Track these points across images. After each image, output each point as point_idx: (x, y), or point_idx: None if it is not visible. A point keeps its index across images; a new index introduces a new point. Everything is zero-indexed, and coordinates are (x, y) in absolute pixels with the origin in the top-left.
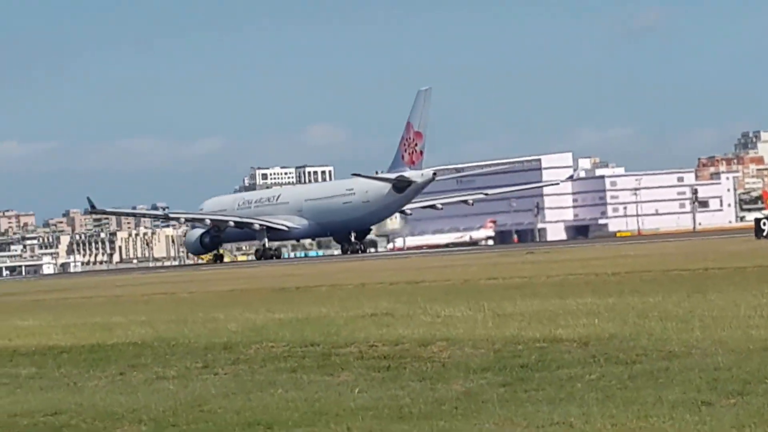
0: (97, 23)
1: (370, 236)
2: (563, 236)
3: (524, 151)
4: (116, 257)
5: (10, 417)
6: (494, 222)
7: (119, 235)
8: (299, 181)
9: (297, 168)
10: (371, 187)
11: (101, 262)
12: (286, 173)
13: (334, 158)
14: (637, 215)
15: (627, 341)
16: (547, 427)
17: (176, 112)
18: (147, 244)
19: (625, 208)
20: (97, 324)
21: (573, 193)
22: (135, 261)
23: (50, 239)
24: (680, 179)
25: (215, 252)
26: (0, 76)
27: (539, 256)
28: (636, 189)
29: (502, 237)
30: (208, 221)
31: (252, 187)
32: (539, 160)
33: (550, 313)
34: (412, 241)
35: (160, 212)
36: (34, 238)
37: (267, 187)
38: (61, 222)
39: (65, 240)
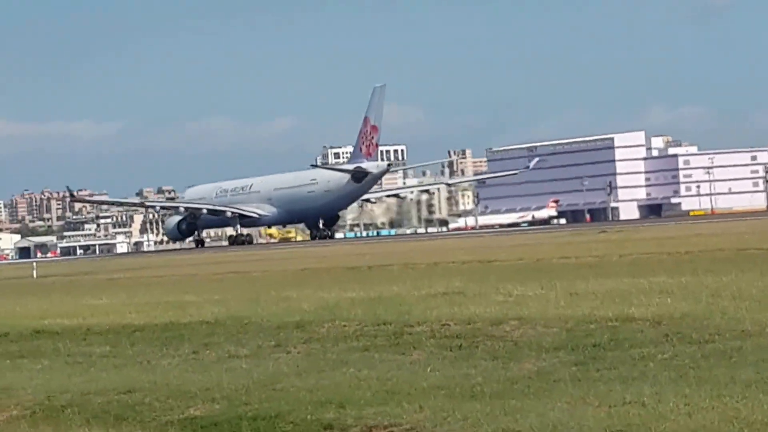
0: (171, 5)
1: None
2: (636, 215)
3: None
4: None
5: (83, 395)
6: (557, 202)
7: None
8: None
9: None
10: (332, 177)
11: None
12: None
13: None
14: (710, 194)
15: (700, 320)
16: (620, 406)
17: (249, 91)
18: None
19: (698, 186)
20: (171, 303)
21: (646, 172)
22: (208, 240)
23: (124, 218)
24: (754, 158)
25: (197, 237)
26: (75, 56)
27: (612, 235)
28: (709, 168)
29: (574, 216)
30: (182, 209)
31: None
32: (612, 138)
33: (622, 292)
34: (470, 221)
35: (137, 200)
36: (107, 217)
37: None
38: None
39: (138, 219)
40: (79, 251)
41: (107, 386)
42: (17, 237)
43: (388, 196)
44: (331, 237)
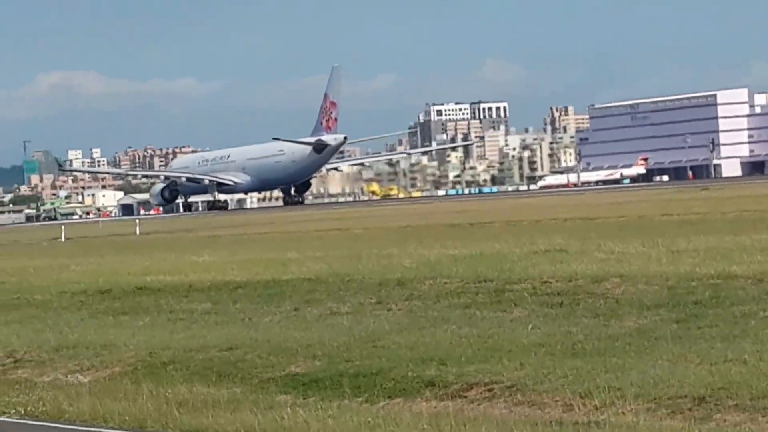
0: None
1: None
2: (739, 172)
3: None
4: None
5: (186, 352)
6: (645, 159)
7: None
8: (474, 118)
9: (471, 104)
10: (297, 149)
11: (276, 198)
12: (460, 109)
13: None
14: None
15: None
16: (721, 364)
17: (353, 49)
18: (322, 180)
19: None
20: (272, 260)
21: (749, 129)
22: (310, 197)
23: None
24: None
25: (184, 203)
26: (179, 13)
27: (714, 193)
28: None
29: (677, 173)
30: (162, 177)
31: (427, 124)
32: (714, 96)
33: (724, 250)
34: (554, 180)
35: (122, 171)
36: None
37: (442, 125)
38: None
39: None
40: (181, 208)
41: (209, 343)
42: (120, 194)
43: (352, 164)
44: (302, 203)
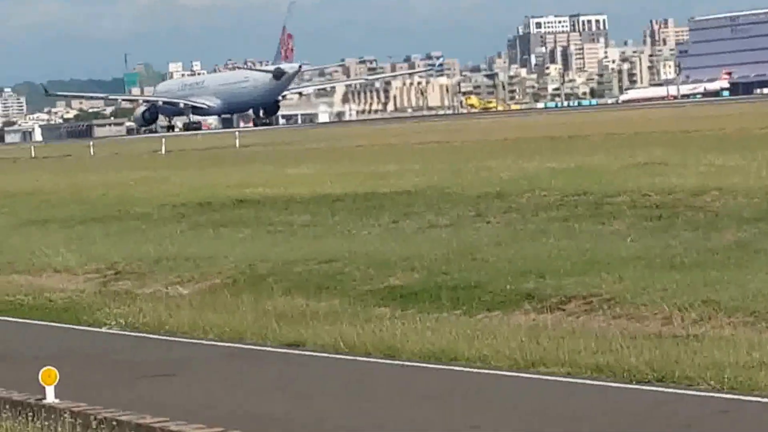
0: None
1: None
2: None
3: None
4: (390, 106)
5: (285, 264)
6: (729, 74)
7: (394, 84)
8: (573, 30)
9: (571, 16)
10: (259, 76)
11: (376, 111)
12: (559, 22)
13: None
14: None
15: None
16: None
17: None
18: (421, 93)
19: None
20: (371, 172)
21: None
22: (409, 110)
23: (325, 88)
24: None
25: (168, 124)
26: None
27: None
28: None
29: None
30: (141, 101)
31: (526, 37)
32: None
33: None
34: (636, 93)
35: (102, 95)
36: (309, 86)
37: (541, 37)
38: (337, 71)
39: (341, 89)
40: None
41: (308, 255)
42: None
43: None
44: (270, 124)
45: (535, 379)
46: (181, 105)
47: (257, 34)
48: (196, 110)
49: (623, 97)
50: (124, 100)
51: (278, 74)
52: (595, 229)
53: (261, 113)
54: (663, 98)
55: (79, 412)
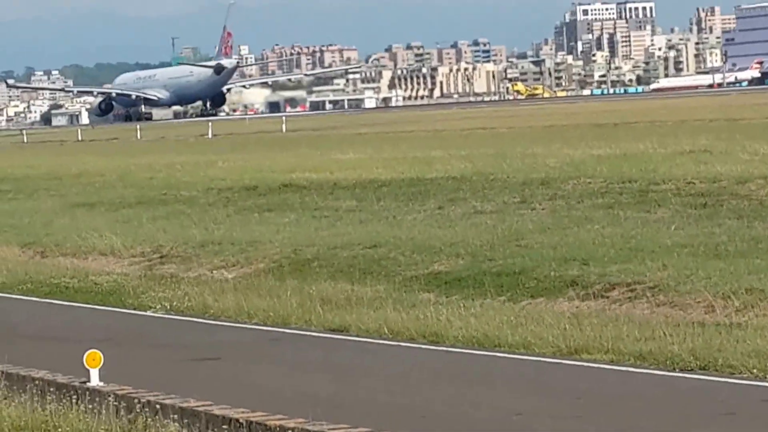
0: None
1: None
2: None
3: None
4: (437, 92)
5: (330, 249)
6: (761, 63)
7: (440, 70)
8: (620, 18)
9: (618, 4)
10: (202, 71)
11: (422, 97)
12: (606, 9)
13: None
14: None
15: None
16: None
17: None
18: (468, 80)
19: None
20: (417, 158)
21: None
22: (455, 96)
23: (372, 74)
24: None
25: (125, 113)
26: None
27: None
28: None
29: None
30: (96, 93)
31: (572, 24)
32: None
33: None
34: (667, 82)
35: (57, 87)
36: (356, 72)
37: (587, 25)
38: (383, 57)
39: (387, 75)
40: (328, 106)
41: (353, 240)
42: (267, 92)
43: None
44: (215, 115)
45: (579, 366)
46: (134, 97)
47: (305, 19)
48: (148, 101)
49: (653, 86)
50: (80, 91)
51: (218, 69)
52: (640, 217)
53: (208, 105)
54: (695, 87)
55: (124, 395)
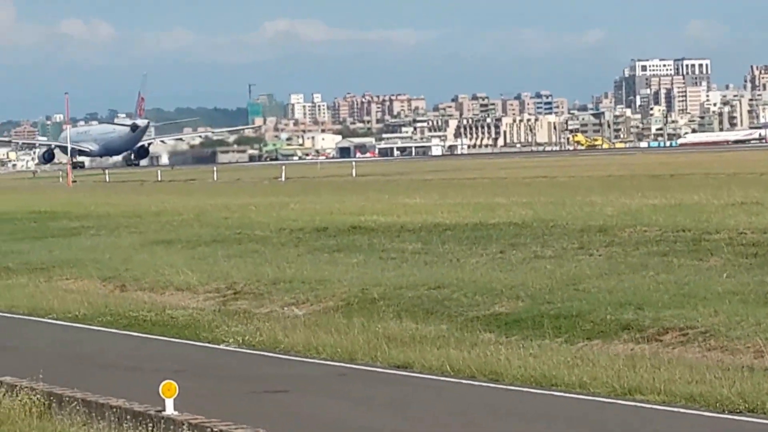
0: None
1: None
2: None
3: None
4: (500, 141)
5: (396, 289)
6: None
7: (504, 120)
8: (677, 74)
9: (675, 60)
10: (121, 129)
11: (486, 146)
12: (664, 65)
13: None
14: None
15: None
16: None
17: (561, 3)
18: (530, 130)
19: None
20: (480, 204)
21: None
22: (518, 145)
23: (439, 122)
24: None
25: (75, 162)
26: None
27: None
28: None
29: None
30: (37, 145)
31: (631, 79)
32: None
33: None
34: (695, 138)
35: (7, 139)
36: (423, 121)
37: (646, 80)
38: (450, 106)
39: (453, 124)
40: (396, 152)
41: (418, 281)
42: (338, 137)
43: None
44: (138, 165)
45: (632, 406)
46: (69, 148)
47: (376, 69)
48: (82, 152)
49: (681, 141)
50: (24, 144)
51: (134, 128)
52: (693, 265)
53: (133, 156)
54: (724, 143)
55: (197, 424)
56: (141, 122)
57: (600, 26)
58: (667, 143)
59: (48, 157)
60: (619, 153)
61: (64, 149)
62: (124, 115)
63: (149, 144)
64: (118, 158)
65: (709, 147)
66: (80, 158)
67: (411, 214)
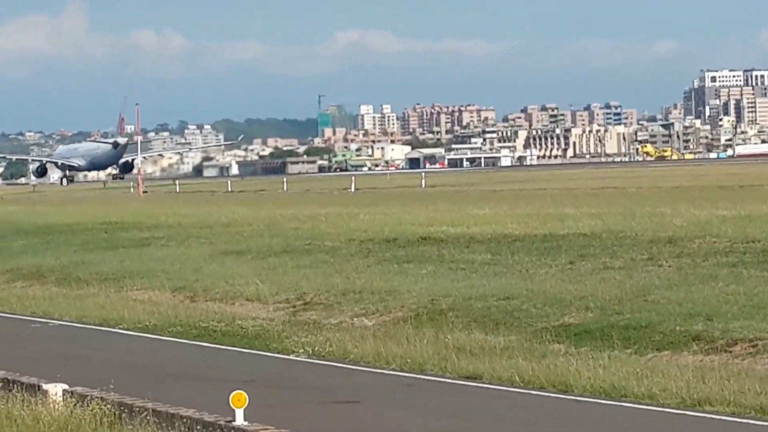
0: None
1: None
2: None
3: None
4: (570, 152)
5: (465, 300)
6: None
7: (573, 131)
8: (746, 85)
9: (745, 71)
10: (104, 146)
11: (555, 157)
12: (734, 76)
13: None
14: None
15: None
16: None
17: (630, 14)
18: (599, 141)
19: None
20: (550, 215)
21: None
22: (587, 156)
23: (508, 133)
24: None
25: (65, 176)
26: None
27: None
28: None
29: None
30: (30, 160)
31: (701, 90)
32: None
33: None
34: (743, 150)
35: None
36: (493, 132)
37: (715, 90)
38: (519, 117)
39: (522, 134)
40: (465, 163)
41: (487, 292)
42: (408, 148)
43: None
44: (122, 178)
45: (701, 417)
46: (59, 164)
47: (445, 80)
48: (71, 167)
49: (730, 152)
50: (17, 159)
51: (115, 145)
52: (763, 276)
53: (118, 170)
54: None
55: None
56: (121, 140)
57: (670, 37)
58: (724, 154)
59: (41, 172)
60: (689, 164)
61: (54, 164)
62: (194, 126)
63: (133, 159)
64: (103, 172)
65: (760, 159)
66: (70, 173)
67: (480, 225)
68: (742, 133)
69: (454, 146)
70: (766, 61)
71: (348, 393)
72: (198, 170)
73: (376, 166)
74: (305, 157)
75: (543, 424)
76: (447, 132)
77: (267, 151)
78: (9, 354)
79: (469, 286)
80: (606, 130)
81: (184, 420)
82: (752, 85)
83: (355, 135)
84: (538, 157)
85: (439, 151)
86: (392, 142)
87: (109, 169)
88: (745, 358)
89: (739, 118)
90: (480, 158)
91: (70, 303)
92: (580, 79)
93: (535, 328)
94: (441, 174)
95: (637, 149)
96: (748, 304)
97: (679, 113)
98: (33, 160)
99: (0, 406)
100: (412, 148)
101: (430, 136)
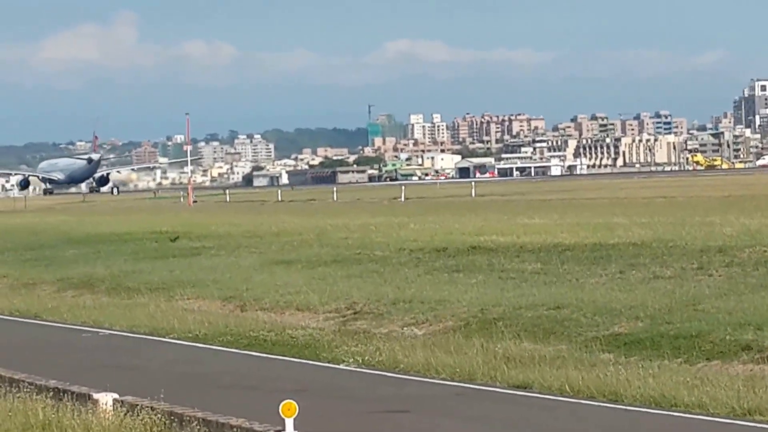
0: None
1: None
2: None
3: None
4: (620, 161)
5: (515, 309)
6: None
7: (623, 140)
8: None
9: None
10: (80, 162)
11: (605, 166)
12: None
13: None
14: None
15: None
16: None
17: (680, 24)
18: (649, 150)
19: None
20: (600, 224)
21: None
22: (637, 165)
23: (558, 143)
24: None
25: (45, 189)
26: None
27: None
28: None
29: None
30: (13, 173)
31: (751, 99)
32: None
33: None
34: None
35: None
36: (543, 141)
37: (765, 99)
38: (569, 126)
39: (572, 144)
40: (515, 172)
41: (537, 301)
42: (458, 158)
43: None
44: (98, 191)
45: (752, 427)
46: (40, 177)
47: (495, 89)
48: (52, 181)
49: (760, 162)
50: (2, 173)
51: (90, 161)
52: None
53: (95, 183)
54: None
55: None
56: (95, 156)
57: (719, 46)
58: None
59: (24, 184)
60: (739, 173)
61: (36, 177)
62: (244, 136)
63: (108, 174)
64: (83, 185)
65: None
66: (50, 186)
67: (530, 235)
68: None
69: (504, 155)
70: None
71: (397, 403)
72: (248, 180)
73: (426, 175)
74: (355, 166)
75: None
76: (497, 141)
77: (317, 161)
78: (60, 363)
79: (519, 296)
80: (656, 140)
81: (234, 430)
82: None
83: (405, 144)
84: (588, 166)
85: (489, 160)
86: (442, 151)
87: (85, 185)
88: None
89: None
90: (530, 167)
91: (121, 312)
92: (629, 88)
93: (584, 338)
94: (491, 183)
95: (687, 158)
96: None
97: (729, 122)
98: (16, 174)
99: (51, 415)
100: (462, 158)
101: (480, 145)
